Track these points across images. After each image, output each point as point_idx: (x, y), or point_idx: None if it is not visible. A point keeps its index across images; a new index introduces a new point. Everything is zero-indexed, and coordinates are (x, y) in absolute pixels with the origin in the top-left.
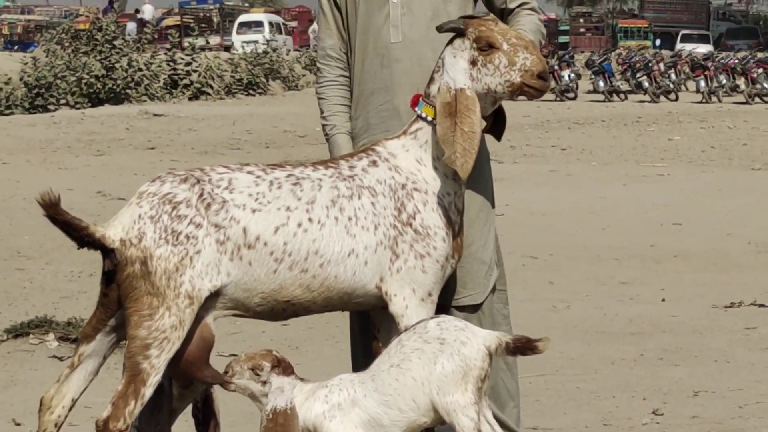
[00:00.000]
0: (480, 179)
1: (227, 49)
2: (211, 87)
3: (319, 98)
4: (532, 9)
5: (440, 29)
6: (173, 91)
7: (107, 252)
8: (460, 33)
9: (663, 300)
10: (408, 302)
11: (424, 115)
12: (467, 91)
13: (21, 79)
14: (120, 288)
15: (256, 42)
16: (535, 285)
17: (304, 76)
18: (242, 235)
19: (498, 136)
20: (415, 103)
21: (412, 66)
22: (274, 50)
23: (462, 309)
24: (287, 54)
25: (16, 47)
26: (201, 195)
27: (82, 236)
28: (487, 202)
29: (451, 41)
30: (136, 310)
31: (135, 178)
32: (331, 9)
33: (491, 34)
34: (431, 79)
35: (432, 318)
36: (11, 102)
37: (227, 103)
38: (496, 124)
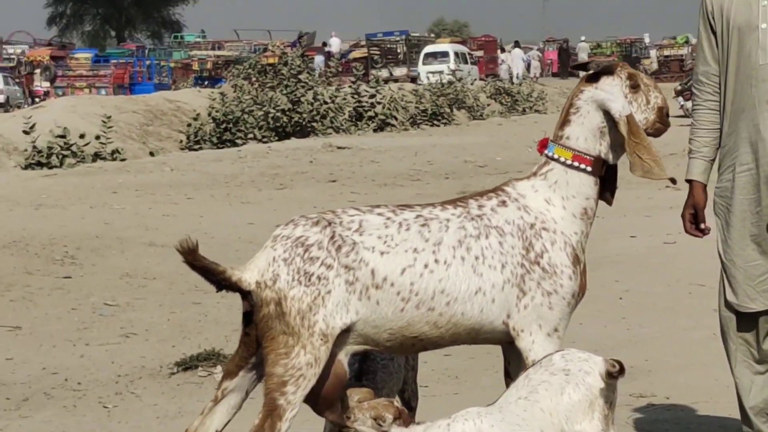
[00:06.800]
0: None
1: (413, 80)
2: (395, 118)
3: (692, 120)
4: None
5: (595, 69)
6: (358, 123)
7: (244, 294)
8: (609, 72)
9: None
10: (534, 337)
11: (556, 156)
12: (633, 115)
13: (209, 115)
14: (257, 328)
15: (441, 72)
16: (700, 312)
17: (489, 105)
18: (371, 276)
19: (610, 201)
20: (543, 146)
21: None
22: (459, 80)
23: None
24: (472, 83)
25: (205, 83)
26: (332, 237)
27: (219, 280)
28: None
29: (590, 80)
30: (272, 348)
31: (314, 211)
32: (707, 35)
33: (636, 74)
34: (566, 121)
35: (556, 351)
36: (200, 137)
37: (411, 134)
38: (608, 184)
